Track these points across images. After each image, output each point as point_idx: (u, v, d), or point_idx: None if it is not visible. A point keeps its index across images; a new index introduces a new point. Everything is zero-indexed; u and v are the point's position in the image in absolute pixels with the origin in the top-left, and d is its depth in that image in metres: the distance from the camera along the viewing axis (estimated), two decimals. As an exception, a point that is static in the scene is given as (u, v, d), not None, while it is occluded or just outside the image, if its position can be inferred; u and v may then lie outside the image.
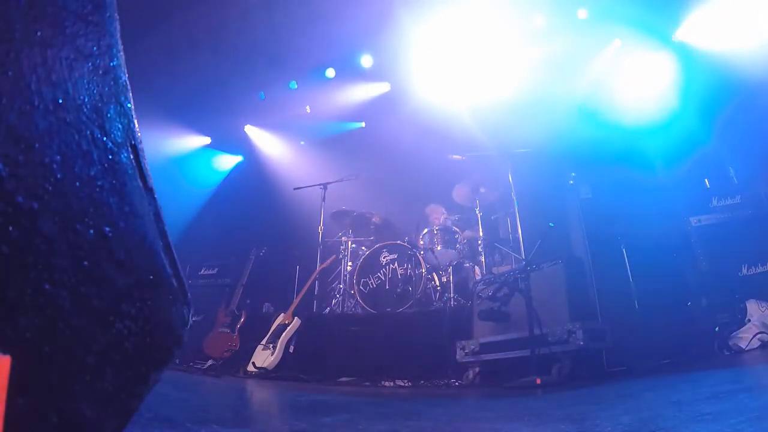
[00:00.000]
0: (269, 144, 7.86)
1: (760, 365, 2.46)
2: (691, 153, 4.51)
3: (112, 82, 0.63)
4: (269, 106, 7.20)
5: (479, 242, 4.88)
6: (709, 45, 5.33)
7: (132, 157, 0.64)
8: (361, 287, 4.74)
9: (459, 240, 4.93)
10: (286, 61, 6.44)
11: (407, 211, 6.23)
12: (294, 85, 6.85)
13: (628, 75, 5.94)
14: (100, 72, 0.61)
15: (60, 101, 0.52)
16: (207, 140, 7.79)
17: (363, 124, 7.59)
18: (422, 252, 4.71)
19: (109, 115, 0.61)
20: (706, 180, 3.91)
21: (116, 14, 0.64)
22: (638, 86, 5.86)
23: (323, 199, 5.54)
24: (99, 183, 0.57)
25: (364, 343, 3.92)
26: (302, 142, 7.74)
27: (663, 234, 3.55)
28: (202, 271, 5.78)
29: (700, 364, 2.73)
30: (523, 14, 5.84)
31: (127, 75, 0.66)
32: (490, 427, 1.47)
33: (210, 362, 4.52)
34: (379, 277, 4.75)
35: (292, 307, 4.36)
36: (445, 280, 4.62)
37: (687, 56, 5.53)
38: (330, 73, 6.71)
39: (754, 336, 2.84)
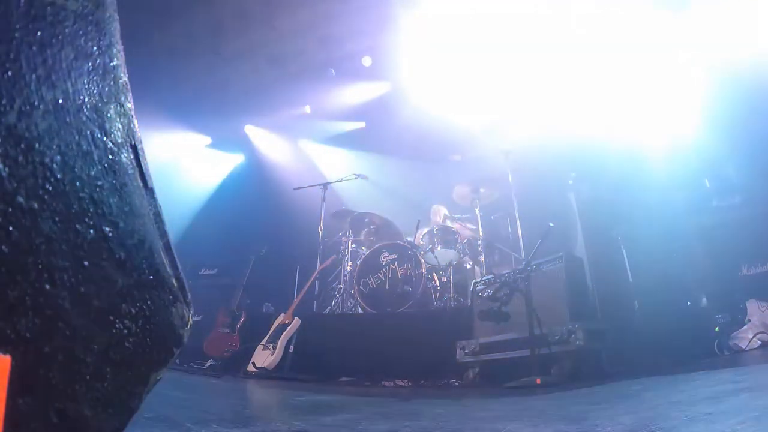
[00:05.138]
0: (269, 144, 7.86)
1: (760, 365, 2.45)
2: (691, 153, 4.51)
3: (112, 82, 0.63)
4: (269, 105, 7.20)
5: (479, 242, 4.88)
6: (711, 44, 5.33)
7: (132, 157, 0.64)
8: (361, 287, 4.73)
9: (459, 240, 4.93)
10: (286, 61, 6.45)
11: (407, 211, 6.24)
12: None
13: (627, 74, 5.93)
14: (100, 72, 0.61)
15: (60, 101, 0.52)
16: (207, 140, 7.80)
17: (363, 124, 7.60)
18: (422, 252, 4.71)
19: (109, 115, 0.61)
20: (706, 180, 3.91)
21: (116, 14, 0.64)
22: (638, 85, 5.85)
23: (323, 199, 5.54)
24: (99, 183, 0.57)
25: (364, 343, 3.92)
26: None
27: (663, 234, 3.55)
28: (202, 271, 5.79)
29: (700, 364, 2.72)
30: (522, 14, 5.83)
31: (127, 75, 0.66)
32: (490, 428, 1.47)
33: (210, 362, 4.52)
34: (379, 277, 4.74)
35: (292, 307, 4.36)
36: (445, 280, 4.62)
37: (687, 55, 5.52)
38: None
39: (754, 336, 2.84)
